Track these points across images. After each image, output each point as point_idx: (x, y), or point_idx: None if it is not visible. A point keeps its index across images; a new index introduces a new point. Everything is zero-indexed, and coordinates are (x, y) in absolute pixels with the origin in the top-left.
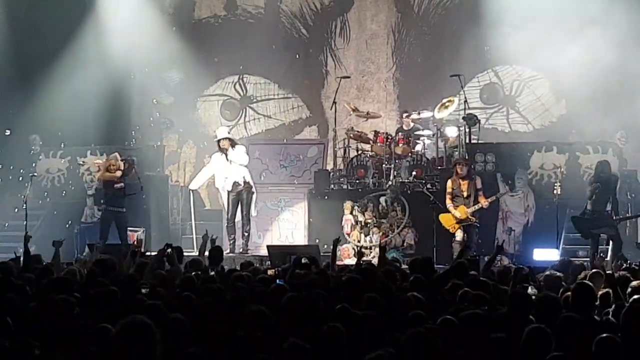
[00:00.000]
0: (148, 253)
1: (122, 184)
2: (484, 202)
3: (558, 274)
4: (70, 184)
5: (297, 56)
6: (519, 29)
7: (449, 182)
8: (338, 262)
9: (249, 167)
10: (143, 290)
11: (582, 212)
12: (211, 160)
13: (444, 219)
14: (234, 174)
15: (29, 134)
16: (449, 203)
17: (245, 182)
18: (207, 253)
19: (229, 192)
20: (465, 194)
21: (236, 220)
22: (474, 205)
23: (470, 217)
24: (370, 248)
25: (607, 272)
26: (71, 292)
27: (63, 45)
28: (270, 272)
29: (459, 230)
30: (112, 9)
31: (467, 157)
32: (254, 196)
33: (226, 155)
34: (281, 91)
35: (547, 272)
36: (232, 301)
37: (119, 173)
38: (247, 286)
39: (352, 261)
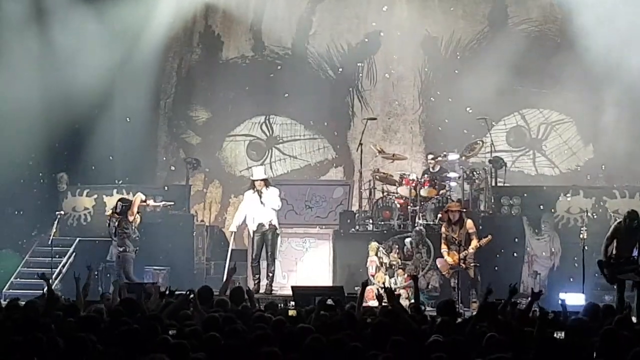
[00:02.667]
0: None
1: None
2: (472, 247)
3: (585, 318)
4: (97, 222)
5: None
6: (545, 71)
7: (443, 228)
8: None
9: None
10: (171, 332)
11: (608, 256)
12: (244, 198)
13: (440, 264)
14: (262, 215)
15: (56, 172)
16: (443, 248)
17: (270, 225)
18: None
19: (254, 232)
20: (457, 239)
21: (261, 260)
22: (465, 249)
23: (461, 263)
24: (395, 290)
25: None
26: (97, 331)
27: (91, 87)
28: (291, 312)
29: (452, 277)
30: (142, 48)
31: (459, 202)
32: (279, 238)
33: (260, 196)
34: (307, 132)
35: (574, 317)
36: (253, 342)
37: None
38: (270, 327)
39: (376, 303)
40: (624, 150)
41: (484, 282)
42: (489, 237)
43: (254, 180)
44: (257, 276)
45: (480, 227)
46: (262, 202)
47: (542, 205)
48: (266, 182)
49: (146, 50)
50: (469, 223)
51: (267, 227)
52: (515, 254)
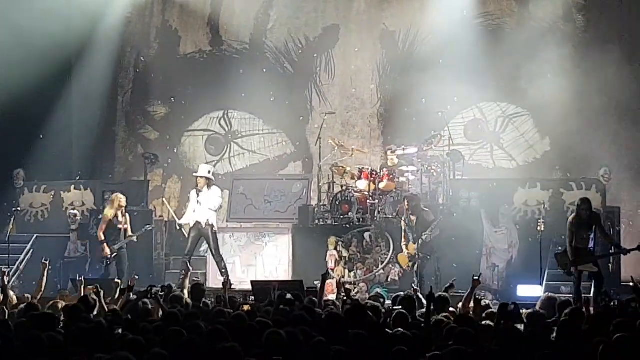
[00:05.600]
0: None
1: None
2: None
3: (542, 311)
4: (54, 218)
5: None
6: (502, 64)
7: (402, 222)
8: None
9: (236, 203)
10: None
11: (565, 249)
12: (190, 196)
13: (401, 259)
14: (200, 214)
15: (12, 168)
16: (403, 242)
17: (207, 224)
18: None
19: (190, 228)
20: (415, 229)
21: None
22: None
23: (417, 252)
24: (354, 284)
25: (590, 309)
26: (55, 329)
27: (48, 82)
28: (245, 307)
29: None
30: (100, 42)
31: (414, 194)
32: (217, 235)
33: (198, 194)
34: (266, 126)
35: (531, 310)
36: (210, 337)
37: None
38: (229, 321)
39: (335, 296)
40: (580, 142)
41: (443, 275)
42: (430, 229)
43: (196, 178)
44: (184, 272)
45: (441, 220)
46: (198, 202)
47: (500, 198)
48: (208, 181)
49: (103, 44)
50: (429, 213)
51: (203, 225)
52: (473, 247)
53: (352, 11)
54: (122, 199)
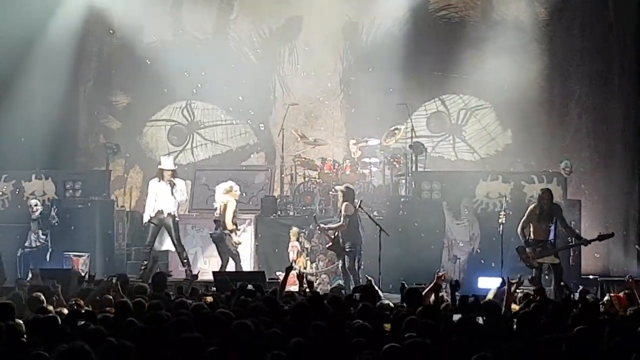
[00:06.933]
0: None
1: None
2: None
3: (497, 302)
4: (15, 207)
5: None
6: (465, 57)
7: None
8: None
9: (198, 194)
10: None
11: (526, 241)
12: (150, 187)
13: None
14: (167, 205)
15: None
16: None
17: (170, 214)
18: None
19: (151, 217)
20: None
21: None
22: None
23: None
24: (316, 275)
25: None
26: (13, 318)
27: (8, 70)
28: (208, 298)
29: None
30: (60, 29)
31: (350, 187)
32: (179, 224)
33: (172, 187)
34: (228, 117)
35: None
36: (173, 328)
37: None
38: (191, 312)
39: (297, 287)
40: (542, 135)
41: (405, 267)
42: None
43: (163, 170)
44: (146, 263)
45: (401, 212)
46: (173, 195)
47: (462, 191)
48: (174, 173)
49: (64, 33)
50: (343, 206)
51: (165, 215)
52: (434, 239)
53: (315, 2)
54: None
